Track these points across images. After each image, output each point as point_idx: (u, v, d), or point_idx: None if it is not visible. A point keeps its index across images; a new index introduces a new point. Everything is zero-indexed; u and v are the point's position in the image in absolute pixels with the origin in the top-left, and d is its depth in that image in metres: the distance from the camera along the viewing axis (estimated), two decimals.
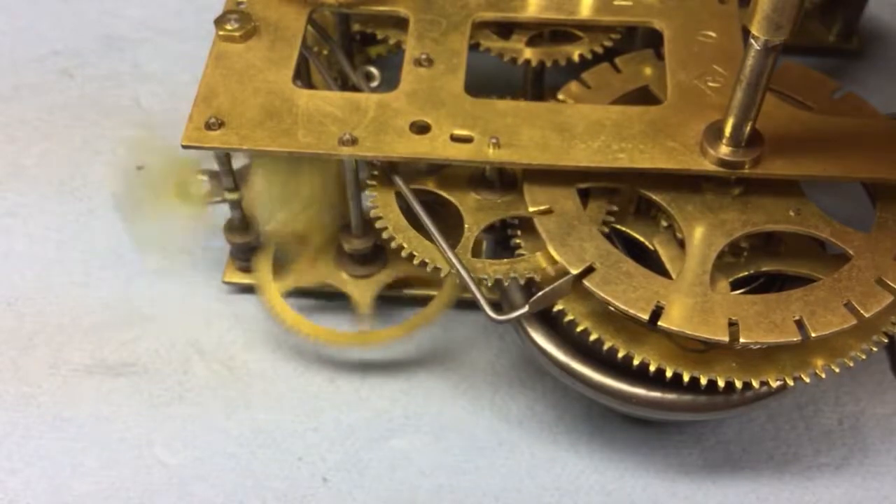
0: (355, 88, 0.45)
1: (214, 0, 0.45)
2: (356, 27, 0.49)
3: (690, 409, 0.39)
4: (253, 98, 0.41)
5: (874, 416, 0.45)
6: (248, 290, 0.47)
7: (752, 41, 0.34)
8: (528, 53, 0.46)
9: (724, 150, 0.38)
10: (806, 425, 0.44)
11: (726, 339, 0.36)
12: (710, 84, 0.41)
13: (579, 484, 0.43)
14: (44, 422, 0.44)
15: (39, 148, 0.54)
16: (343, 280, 0.45)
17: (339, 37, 0.49)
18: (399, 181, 0.41)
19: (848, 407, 0.45)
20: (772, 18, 0.33)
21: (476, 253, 0.40)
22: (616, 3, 0.45)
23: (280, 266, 0.46)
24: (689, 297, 0.37)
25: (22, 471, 0.42)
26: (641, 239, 0.41)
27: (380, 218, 0.41)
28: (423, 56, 0.42)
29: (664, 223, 0.40)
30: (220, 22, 0.43)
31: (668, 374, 0.38)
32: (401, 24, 0.46)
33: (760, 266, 0.40)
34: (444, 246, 0.39)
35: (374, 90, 0.46)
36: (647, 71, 0.44)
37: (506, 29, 0.46)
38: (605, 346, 0.38)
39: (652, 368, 0.38)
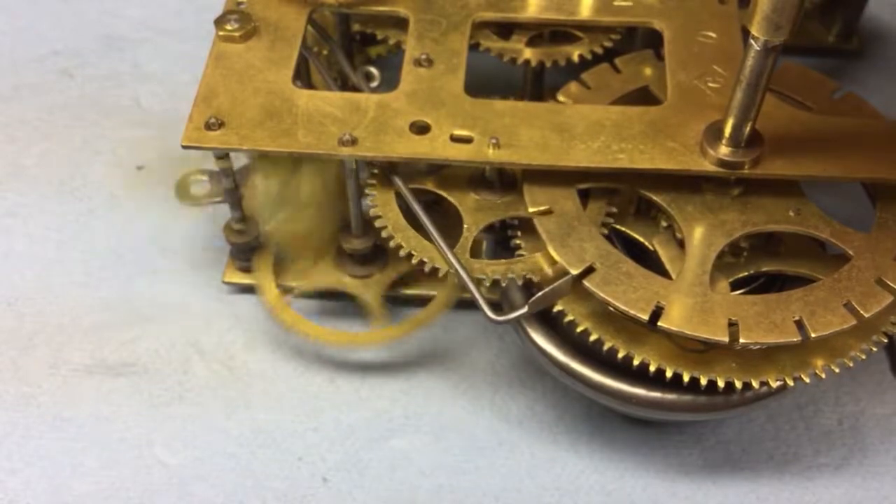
0: (355, 88, 0.45)
1: (214, 0, 0.45)
2: (356, 27, 0.49)
3: (690, 409, 0.39)
4: (253, 98, 0.41)
5: (874, 416, 0.45)
6: (248, 290, 0.47)
7: (752, 41, 0.34)
8: (528, 54, 0.46)
9: (723, 150, 0.38)
10: (806, 425, 0.44)
11: (726, 339, 0.36)
12: (710, 84, 0.41)
13: (579, 484, 0.43)
14: (44, 422, 0.44)
15: (39, 148, 0.54)
16: (344, 281, 0.45)
17: (339, 37, 0.49)
18: (398, 181, 0.41)
19: (848, 407, 0.45)
20: (772, 19, 0.33)
21: (476, 253, 0.40)
22: (616, 3, 0.45)
23: (280, 266, 0.46)
24: (688, 298, 0.37)
25: (22, 471, 0.42)
26: (641, 239, 0.41)
27: (379, 217, 0.41)
28: (423, 56, 0.42)
29: (664, 223, 0.40)
30: (220, 22, 0.43)
31: (668, 374, 0.38)
32: (401, 24, 0.46)
33: (760, 266, 0.40)
34: (443, 245, 0.39)
35: (374, 90, 0.46)
36: (647, 71, 0.44)
37: (506, 29, 0.46)
38: (606, 347, 0.38)
39: (652, 369, 0.38)
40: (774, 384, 0.37)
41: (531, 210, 0.39)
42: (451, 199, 0.42)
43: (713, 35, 0.44)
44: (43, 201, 0.51)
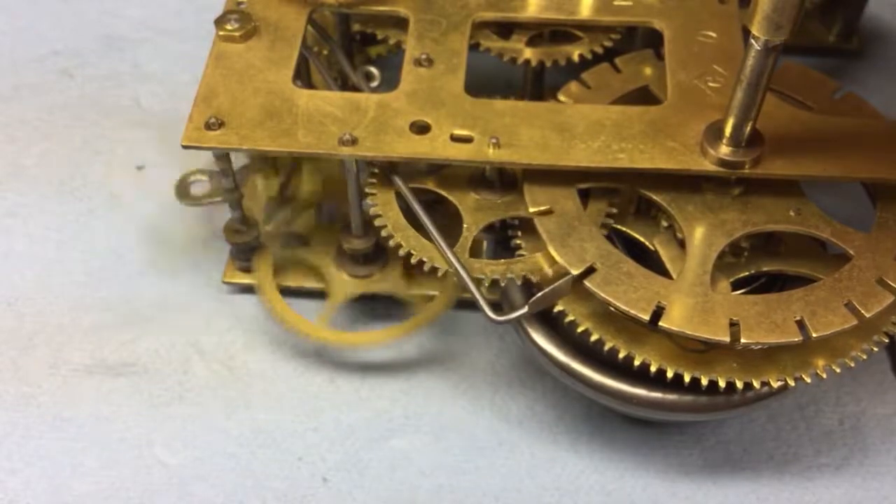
0: (355, 88, 0.45)
1: (214, 0, 0.45)
2: (356, 27, 0.49)
3: (691, 409, 0.39)
4: (253, 98, 0.41)
5: (875, 416, 0.45)
6: (248, 290, 0.47)
7: (753, 41, 0.34)
8: (528, 53, 0.46)
9: (724, 150, 0.38)
10: (807, 425, 0.44)
11: (727, 339, 0.36)
12: (710, 84, 0.41)
13: (579, 484, 0.43)
14: (44, 422, 0.44)
15: (39, 148, 0.54)
16: (343, 281, 0.45)
17: (339, 37, 0.49)
18: (398, 181, 0.41)
19: (849, 407, 0.45)
20: (772, 18, 0.33)
21: (476, 253, 0.40)
22: (616, 3, 0.45)
23: (280, 266, 0.46)
24: (689, 298, 0.37)
25: (22, 471, 0.42)
26: (642, 239, 0.40)
27: (379, 216, 0.41)
28: (423, 56, 0.42)
29: (664, 223, 0.40)
30: (220, 22, 0.43)
31: (669, 374, 0.38)
32: (401, 24, 0.46)
33: (761, 266, 0.40)
34: (443, 245, 0.39)
35: (374, 90, 0.46)
36: (647, 71, 0.44)
37: (506, 29, 0.46)
38: (606, 347, 0.38)
39: (653, 369, 0.38)
40: (775, 384, 0.37)
41: (531, 210, 0.39)
42: (451, 198, 0.42)
43: (713, 35, 0.44)
44: (43, 201, 0.51)
